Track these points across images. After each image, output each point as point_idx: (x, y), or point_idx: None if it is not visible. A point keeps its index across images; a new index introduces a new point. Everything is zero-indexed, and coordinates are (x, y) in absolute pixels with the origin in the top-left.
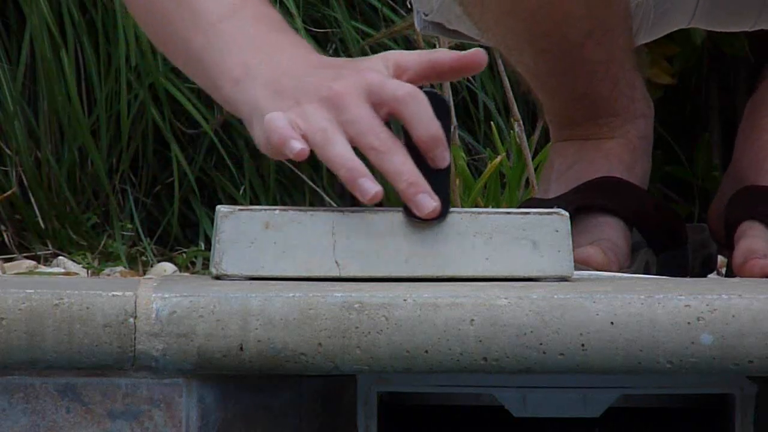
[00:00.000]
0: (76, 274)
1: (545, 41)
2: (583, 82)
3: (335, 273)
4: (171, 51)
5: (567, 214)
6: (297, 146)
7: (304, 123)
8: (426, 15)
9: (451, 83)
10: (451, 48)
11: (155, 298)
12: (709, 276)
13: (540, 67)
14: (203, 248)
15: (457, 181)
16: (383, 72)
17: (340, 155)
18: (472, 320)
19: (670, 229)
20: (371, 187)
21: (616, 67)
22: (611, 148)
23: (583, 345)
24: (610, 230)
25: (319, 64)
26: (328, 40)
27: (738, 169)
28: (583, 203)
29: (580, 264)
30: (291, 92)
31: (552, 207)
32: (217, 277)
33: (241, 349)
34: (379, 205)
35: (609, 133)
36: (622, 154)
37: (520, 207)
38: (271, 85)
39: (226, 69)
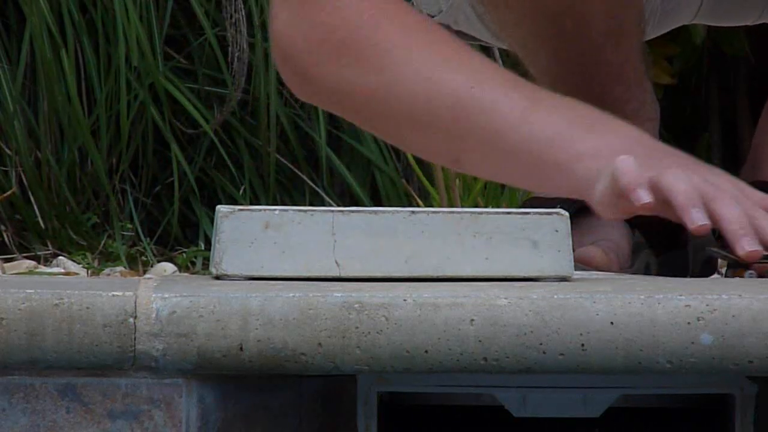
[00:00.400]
0: (76, 274)
1: (565, 41)
2: (599, 84)
3: (335, 273)
4: (471, 159)
5: (567, 214)
6: (644, 197)
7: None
8: (433, 17)
9: None
10: None
11: (155, 298)
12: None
13: (557, 69)
14: (203, 248)
15: (457, 181)
16: None
17: (683, 189)
18: (472, 320)
19: (671, 229)
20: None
21: (629, 69)
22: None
23: (583, 345)
24: (612, 231)
25: (670, 151)
26: None
27: (751, 162)
28: (585, 204)
29: (582, 264)
30: (649, 162)
31: (554, 206)
32: (217, 277)
33: (241, 349)
34: (379, 205)
35: None
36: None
37: (522, 206)
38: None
39: (572, 151)
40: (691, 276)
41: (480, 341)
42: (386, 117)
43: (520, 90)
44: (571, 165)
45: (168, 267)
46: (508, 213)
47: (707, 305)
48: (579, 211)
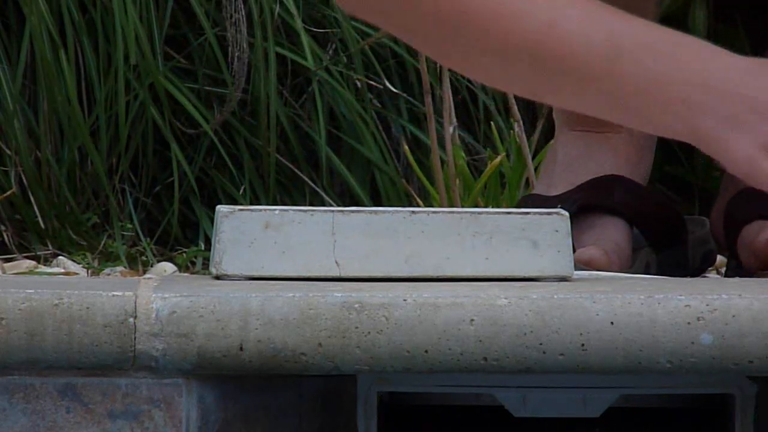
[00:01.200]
0: (76, 274)
1: None
2: None
3: (335, 273)
4: (551, 99)
5: (567, 214)
6: None
7: None
8: None
9: (451, 83)
10: None
11: (155, 298)
12: (708, 275)
13: None
14: (203, 248)
15: (457, 181)
16: None
17: None
18: (472, 320)
19: (671, 227)
20: None
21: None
22: (618, 143)
23: (583, 345)
24: (613, 231)
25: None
26: (328, 40)
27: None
28: (587, 202)
29: (583, 265)
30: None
31: (555, 205)
32: (217, 277)
33: (241, 349)
34: (379, 205)
35: (616, 126)
36: (629, 150)
37: (518, 204)
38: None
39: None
40: (692, 269)
41: (480, 341)
42: (454, 41)
43: (602, 26)
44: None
45: (168, 267)
46: (508, 213)
47: (707, 305)
48: (579, 211)
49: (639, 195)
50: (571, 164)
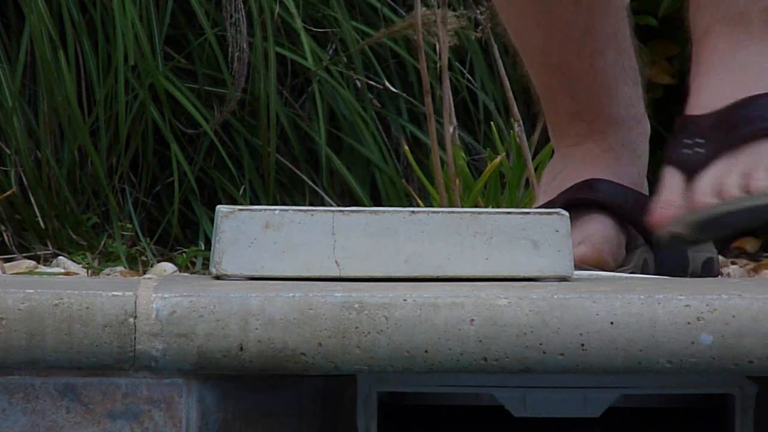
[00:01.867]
0: (76, 274)
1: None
2: (557, 50)
3: (335, 273)
4: None
5: (566, 214)
6: None
7: None
8: None
9: (451, 83)
10: (451, 48)
11: (155, 298)
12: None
13: (521, 26)
14: (203, 248)
15: (457, 181)
16: None
17: None
18: (472, 320)
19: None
20: None
21: (590, 48)
22: (592, 150)
23: (583, 345)
24: (598, 224)
25: None
26: (328, 40)
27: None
28: (568, 200)
29: (575, 263)
30: None
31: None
32: (217, 277)
33: (241, 349)
34: (379, 205)
35: (586, 131)
36: (608, 159)
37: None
38: None
39: None
40: (691, 273)
41: (480, 341)
42: None
43: None
44: None
45: (168, 267)
46: (508, 213)
47: (707, 305)
48: (564, 209)
49: (622, 192)
50: (552, 179)
